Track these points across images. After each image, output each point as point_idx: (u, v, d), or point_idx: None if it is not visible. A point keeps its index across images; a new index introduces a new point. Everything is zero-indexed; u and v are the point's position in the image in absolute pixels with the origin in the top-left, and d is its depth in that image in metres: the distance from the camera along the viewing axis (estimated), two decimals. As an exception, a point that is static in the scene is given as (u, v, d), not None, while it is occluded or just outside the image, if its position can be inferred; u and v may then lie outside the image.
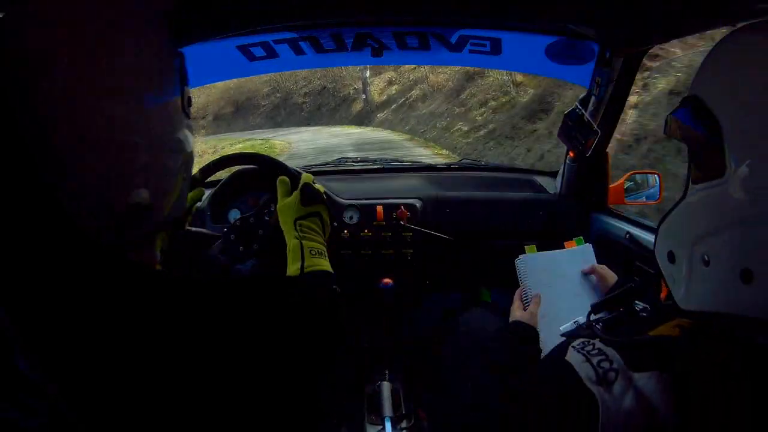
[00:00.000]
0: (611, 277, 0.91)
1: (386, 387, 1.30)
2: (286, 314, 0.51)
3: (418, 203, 1.34)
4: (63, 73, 0.37)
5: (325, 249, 0.76)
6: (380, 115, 14.32)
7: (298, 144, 10.97)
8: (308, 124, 17.21)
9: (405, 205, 1.32)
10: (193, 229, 0.95)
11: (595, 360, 0.48)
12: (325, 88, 18.61)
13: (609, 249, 1.10)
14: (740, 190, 0.42)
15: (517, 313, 0.88)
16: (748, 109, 0.43)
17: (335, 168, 1.68)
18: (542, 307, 0.88)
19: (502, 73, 8.79)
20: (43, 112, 0.36)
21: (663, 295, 0.85)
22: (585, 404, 0.45)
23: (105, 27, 0.41)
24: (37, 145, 0.36)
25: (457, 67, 9.66)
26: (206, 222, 1.11)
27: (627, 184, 1.31)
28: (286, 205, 0.79)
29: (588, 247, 0.99)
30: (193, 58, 1.06)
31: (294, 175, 0.83)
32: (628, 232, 1.16)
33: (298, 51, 1.15)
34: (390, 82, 15.48)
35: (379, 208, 1.30)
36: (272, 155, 1.13)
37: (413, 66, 13.68)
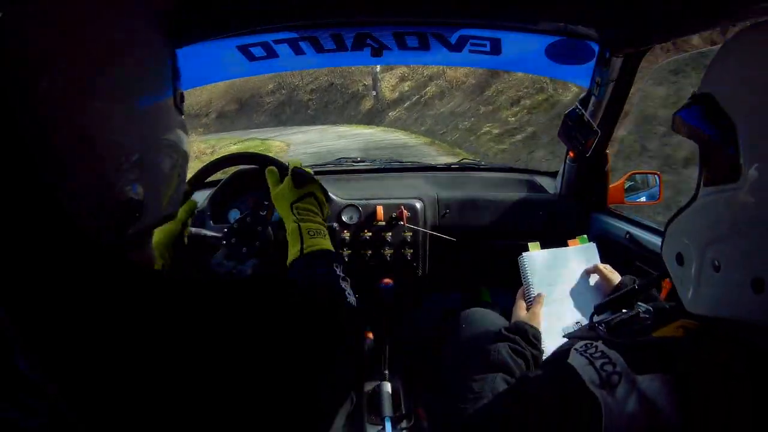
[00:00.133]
0: (615, 276, 0.91)
1: (386, 387, 1.30)
2: (286, 315, 0.51)
3: (418, 203, 1.34)
4: (62, 73, 0.37)
5: (324, 228, 0.76)
6: (392, 114, 13.23)
7: (297, 147, 9.97)
8: (314, 123, 16.10)
9: (405, 205, 1.32)
10: (194, 229, 0.95)
11: (598, 363, 0.48)
12: (332, 84, 17.17)
13: (609, 249, 1.10)
14: (755, 196, 0.40)
15: (520, 312, 0.88)
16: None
17: (335, 168, 1.68)
18: (545, 305, 0.88)
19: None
20: (42, 112, 0.37)
21: (663, 294, 0.85)
22: (588, 408, 0.45)
23: (103, 28, 0.41)
24: (36, 144, 0.37)
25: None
26: (206, 222, 1.11)
27: (627, 184, 1.31)
28: (279, 192, 0.79)
29: (592, 246, 0.99)
30: (193, 58, 1.07)
31: (282, 165, 0.84)
32: (628, 232, 1.16)
33: (298, 51, 1.15)
34: (402, 78, 14.15)
35: (379, 208, 1.30)
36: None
37: (427, 61, 13.12)
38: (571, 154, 1.31)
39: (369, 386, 1.34)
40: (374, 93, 14.63)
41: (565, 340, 0.62)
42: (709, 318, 0.47)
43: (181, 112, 0.50)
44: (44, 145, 0.37)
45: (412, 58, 1.22)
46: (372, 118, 14.16)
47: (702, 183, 0.49)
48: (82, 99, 0.38)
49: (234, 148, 10.80)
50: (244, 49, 1.13)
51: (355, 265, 1.32)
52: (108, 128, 0.40)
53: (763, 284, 0.40)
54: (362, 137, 10.93)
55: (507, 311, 1.00)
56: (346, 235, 1.30)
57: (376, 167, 1.68)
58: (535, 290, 0.91)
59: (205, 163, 1.02)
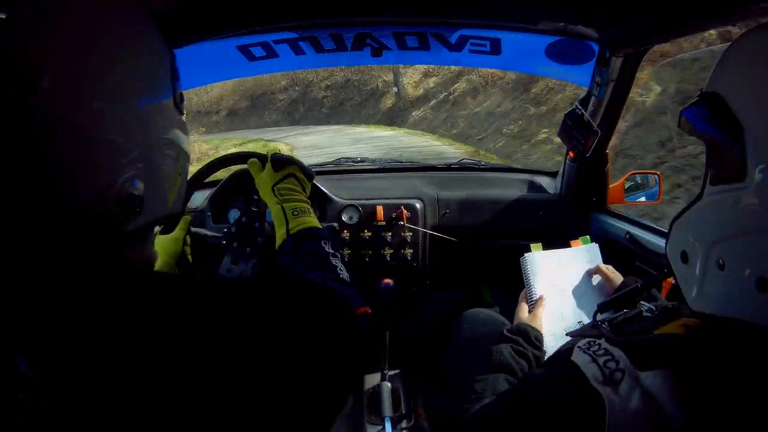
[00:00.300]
0: (617, 277, 0.91)
1: (386, 387, 1.30)
2: (286, 315, 0.51)
3: (418, 203, 1.34)
4: (62, 73, 0.38)
5: (308, 206, 0.75)
6: (416, 113, 11.83)
7: (301, 152, 8.58)
8: (329, 123, 14.92)
9: (405, 205, 1.32)
10: (193, 229, 0.95)
11: (601, 360, 0.48)
12: (349, 81, 15.86)
13: (609, 249, 1.10)
14: (761, 196, 0.40)
15: (522, 314, 0.88)
16: None
17: (335, 168, 1.68)
18: (547, 306, 0.88)
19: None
20: (42, 111, 0.37)
21: (663, 294, 0.85)
22: (591, 404, 0.45)
23: (103, 28, 0.41)
24: (36, 144, 0.37)
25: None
26: (206, 222, 1.11)
27: (627, 184, 1.31)
28: (261, 179, 0.79)
29: (594, 247, 0.99)
30: (193, 58, 1.07)
31: (263, 155, 0.85)
32: (627, 232, 1.16)
33: (298, 51, 1.15)
34: (426, 74, 12.81)
35: (379, 208, 1.30)
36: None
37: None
38: (571, 154, 1.31)
39: (369, 386, 1.34)
40: (396, 90, 13.27)
41: (568, 339, 0.62)
42: (712, 316, 0.47)
43: (180, 112, 0.51)
44: (43, 144, 0.37)
45: (412, 58, 1.22)
46: (393, 118, 12.87)
47: (708, 182, 0.49)
48: (81, 98, 0.39)
49: (237, 149, 10.47)
50: (244, 49, 1.13)
51: (355, 265, 1.32)
52: (107, 127, 0.40)
53: None
54: (383, 141, 9.40)
55: (507, 311, 1.00)
56: (346, 235, 1.30)
57: (376, 167, 1.68)
58: (537, 291, 0.91)
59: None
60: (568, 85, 7.02)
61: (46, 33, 0.38)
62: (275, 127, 16.08)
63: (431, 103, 11.64)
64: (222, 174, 1.15)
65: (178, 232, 0.85)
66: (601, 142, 1.22)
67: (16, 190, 0.37)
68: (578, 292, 0.93)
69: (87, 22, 0.40)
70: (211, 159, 0.99)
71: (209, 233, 0.98)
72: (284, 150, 9.83)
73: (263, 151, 0.89)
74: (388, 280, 1.33)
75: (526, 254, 0.96)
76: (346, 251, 1.31)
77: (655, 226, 1.12)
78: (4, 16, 0.40)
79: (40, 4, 0.40)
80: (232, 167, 1.09)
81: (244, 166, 1.10)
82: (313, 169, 0.83)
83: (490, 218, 1.37)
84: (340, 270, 0.65)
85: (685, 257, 0.50)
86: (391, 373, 1.35)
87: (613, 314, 0.70)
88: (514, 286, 0.97)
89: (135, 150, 0.42)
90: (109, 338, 0.38)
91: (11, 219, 0.38)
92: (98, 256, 0.42)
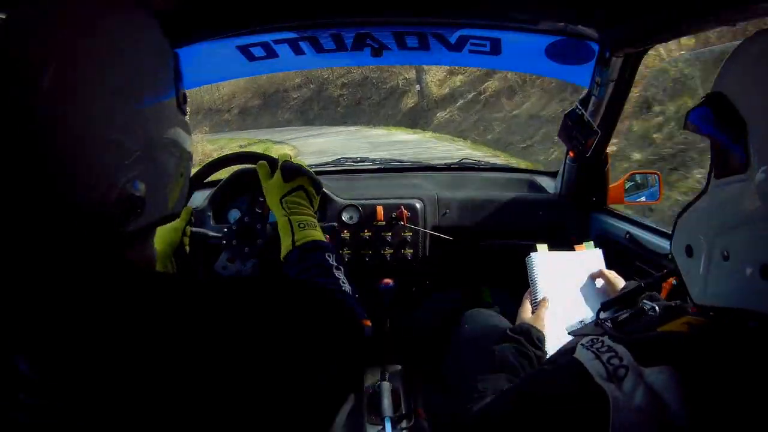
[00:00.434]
0: (619, 281, 0.91)
1: (386, 387, 1.30)
2: (286, 314, 0.51)
3: (418, 203, 1.34)
4: (63, 73, 0.38)
5: (314, 220, 0.76)
6: (441, 115, 10.63)
7: (309, 158, 6.10)
8: (344, 123, 13.73)
9: (405, 205, 1.32)
10: (194, 229, 0.95)
11: (604, 357, 0.48)
12: (367, 78, 14.37)
13: (609, 249, 1.10)
14: (763, 187, 0.42)
15: (525, 315, 0.88)
16: None
17: (335, 168, 1.68)
18: (550, 307, 0.88)
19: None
20: (43, 111, 0.37)
21: (663, 294, 0.85)
22: (595, 401, 0.45)
23: (103, 28, 0.41)
24: (36, 144, 0.37)
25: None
26: (207, 222, 1.11)
27: (627, 184, 1.31)
28: (269, 186, 0.79)
29: (598, 252, 1.00)
30: (193, 58, 1.07)
31: (273, 159, 0.84)
32: (627, 232, 1.16)
33: (298, 51, 1.15)
34: (452, 72, 11.41)
35: (379, 208, 1.30)
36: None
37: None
38: (571, 154, 1.31)
39: (369, 386, 1.34)
40: (418, 88, 11.92)
41: (570, 340, 0.62)
42: (716, 309, 0.47)
43: (183, 112, 0.51)
44: (43, 144, 0.37)
45: (412, 59, 1.22)
46: (415, 119, 11.61)
47: (713, 176, 0.50)
48: (82, 99, 0.39)
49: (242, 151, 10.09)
50: (244, 49, 1.13)
51: (355, 265, 1.32)
52: (108, 128, 0.40)
53: None
54: (408, 147, 7.87)
55: (507, 311, 1.00)
56: (346, 235, 1.30)
57: (376, 167, 1.68)
58: (541, 291, 0.92)
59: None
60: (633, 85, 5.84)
61: (46, 33, 0.38)
62: (287, 126, 15.10)
63: (458, 104, 10.43)
64: (223, 174, 1.15)
65: (178, 222, 0.85)
66: (601, 142, 1.22)
67: (16, 190, 0.37)
68: (581, 294, 0.94)
69: (87, 22, 0.40)
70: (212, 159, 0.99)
71: (210, 233, 0.98)
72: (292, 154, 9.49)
73: (267, 153, 0.89)
74: (388, 280, 1.33)
75: (532, 254, 0.97)
76: (346, 251, 1.31)
77: (655, 226, 1.12)
78: (4, 16, 0.40)
79: (40, 4, 0.40)
80: (232, 167, 1.09)
81: (245, 166, 1.11)
82: (313, 170, 0.83)
83: (490, 218, 1.37)
84: (343, 282, 0.66)
85: (689, 251, 0.51)
86: (391, 373, 1.35)
87: (615, 313, 0.70)
88: (514, 286, 0.97)
89: (137, 151, 0.42)
90: (109, 338, 0.38)
91: (11, 219, 0.38)
92: (98, 256, 0.42)
